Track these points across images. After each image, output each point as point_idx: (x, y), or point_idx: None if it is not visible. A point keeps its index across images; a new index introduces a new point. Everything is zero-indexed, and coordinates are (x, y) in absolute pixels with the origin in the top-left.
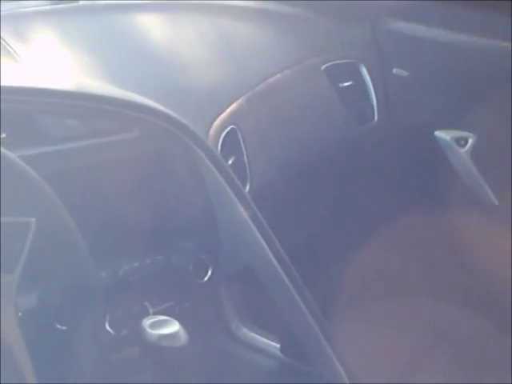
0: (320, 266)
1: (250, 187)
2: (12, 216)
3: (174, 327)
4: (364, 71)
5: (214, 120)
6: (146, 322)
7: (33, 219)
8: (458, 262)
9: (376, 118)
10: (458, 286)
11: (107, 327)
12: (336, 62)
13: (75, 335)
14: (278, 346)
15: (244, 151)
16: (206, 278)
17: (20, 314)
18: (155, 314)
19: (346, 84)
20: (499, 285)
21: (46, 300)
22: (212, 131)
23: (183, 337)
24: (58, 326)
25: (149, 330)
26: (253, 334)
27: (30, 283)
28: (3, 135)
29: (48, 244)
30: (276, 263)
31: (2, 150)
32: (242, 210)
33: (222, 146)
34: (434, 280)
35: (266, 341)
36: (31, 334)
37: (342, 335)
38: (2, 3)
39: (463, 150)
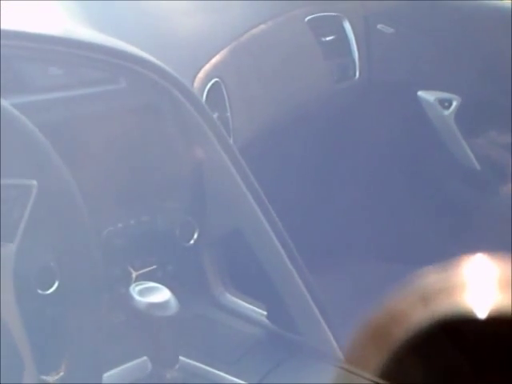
0: (307, 224)
1: (233, 143)
2: (11, 178)
3: (163, 295)
4: (348, 26)
5: (198, 72)
6: (135, 289)
7: (34, 182)
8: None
9: (357, 74)
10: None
11: None
12: (320, 14)
13: (72, 302)
14: (265, 313)
15: (228, 106)
16: (191, 242)
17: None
18: (138, 277)
19: (328, 38)
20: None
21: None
22: (196, 84)
23: (173, 305)
24: (40, 291)
25: (137, 297)
26: (237, 301)
27: (28, 252)
28: None
29: (48, 209)
30: (267, 226)
31: (3, 103)
32: (231, 168)
33: (206, 99)
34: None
35: (252, 307)
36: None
37: (331, 302)
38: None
39: (447, 112)
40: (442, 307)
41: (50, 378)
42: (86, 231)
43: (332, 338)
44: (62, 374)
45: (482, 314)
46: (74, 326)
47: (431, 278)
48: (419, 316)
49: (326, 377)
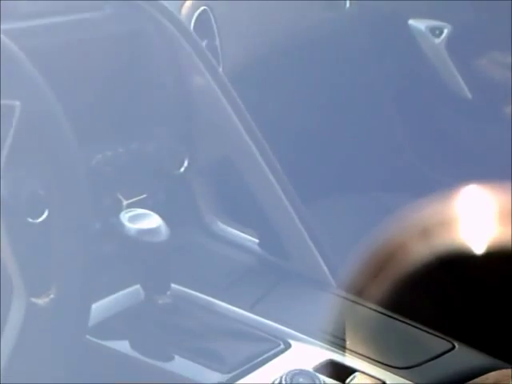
0: (296, 150)
1: (222, 72)
2: None
3: (154, 221)
4: None
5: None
6: (125, 216)
7: (17, 102)
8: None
9: (348, 4)
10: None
11: None
12: None
13: (62, 230)
14: (256, 240)
15: (216, 34)
16: (182, 169)
17: None
18: (129, 206)
19: None
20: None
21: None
22: (183, 11)
23: (164, 232)
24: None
25: (128, 224)
26: (229, 228)
27: (14, 178)
28: None
29: (32, 132)
30: (257, 153)
31: None
32: (221, 96)
33: (193, 27)
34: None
35: (243, 235)
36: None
37: (324, 229)
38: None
39: (438, 41)
40: (441, 241)
41: (39, 301)
42: (74, 157)
43: (323, 264)
44: (52, 296)
45: (480, 248)
46: (63, 253)
47: (429, 210)
48: (418, 249)
49: (317, 301)
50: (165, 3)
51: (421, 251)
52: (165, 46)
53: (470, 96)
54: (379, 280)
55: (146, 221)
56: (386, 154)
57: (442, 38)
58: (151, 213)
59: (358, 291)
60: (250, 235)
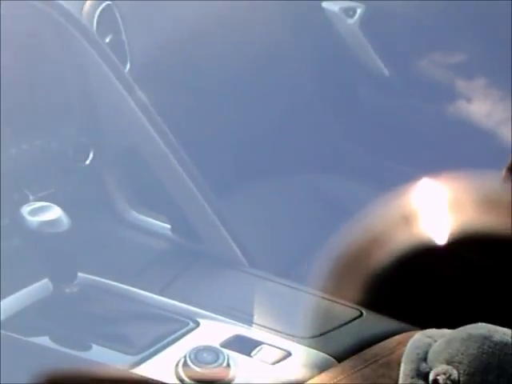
0: (207, 140)
1: (131, 66)
2: None
3: (55, 213)
4: None
5: None
6: (26, 209)
7: None
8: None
9: None
10: (362, 163)
11: None
12: None
13: None
14: (168, 226)
15: (122, 28)
16: (87, 162)
17: None
18: (36, 201)
19: None
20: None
21: None
22: (86, 8)
23: (65, 222)
24: None
25: (28, 218)
26: (142, 217)
27: None
28: None
29: None
30: (162, 144)
31: None
32: (122, 90)
33: (97, 23)
34: (329, 153)
35: (156, 222)
36: None
37: (235, 212)
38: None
39: (352, 21)
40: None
41: None
42: None
43: (234, 245)
44: None
45: (440, 239)
46: None
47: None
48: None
49: (227, 280)
50: (66, 2)
51: (389, 244)
52: (64, 46)
53: (387, 73)
54: (351, 278)
55: (46, 213)
56: (313, 135)
57: (355, 18)
58: (52, 205)
59: (332, 290)
60: (163, 221)
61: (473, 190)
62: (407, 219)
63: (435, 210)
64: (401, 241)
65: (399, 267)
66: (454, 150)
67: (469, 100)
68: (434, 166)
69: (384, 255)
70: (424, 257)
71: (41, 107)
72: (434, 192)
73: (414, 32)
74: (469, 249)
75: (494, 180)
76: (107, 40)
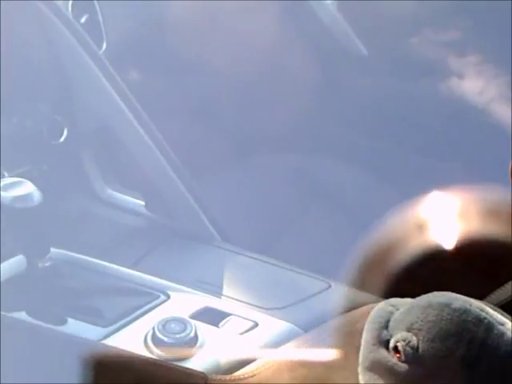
0: (189, 119)
1: (107, 46)
2: None
3: (26, 188)
4: None
5: None
6: None
7: None
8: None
9: None
10: (336, 140)
11: None
12: None
13: None
14: (143, 203)
15: (98, 8)
16: (61, 139)
17: None
18: (11, 177)
19: None
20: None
21: None
22: None
23: (36, 197)
24: None
25: (1, 193)
26: (117, 194)
27: None
28: None
29: None
30: (135, 122)
31: None
32: (96, 69)
33: (72, 4)
34: (310, 134)
35: (131, 199)
36: None
37: (215, 190)
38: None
39: (329, 1)
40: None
41: None
42: None
43: (206, 220)
44: None
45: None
46: None
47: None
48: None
49: (198, 254)
50: None
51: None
52: (38, 27)
53: (365, 52)
54: (372, 278)
55: (18, 188)
56: (297, 116)
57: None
58: (23, 180)
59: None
60: (137, 198)
61: (479, 201)
62: (420, 227)
63: (444, 220)
64: (414, 246)
65: (412, 269)
66: (442, 127)
67: (461, 77)
68: (423, 145)
69: (400, 258)
70: (434, 260)
71: (15, 86)
72: (444, 203)
73: (401, 10)
74: (472, 254)
75: (498, 193)
76: (83, 20)
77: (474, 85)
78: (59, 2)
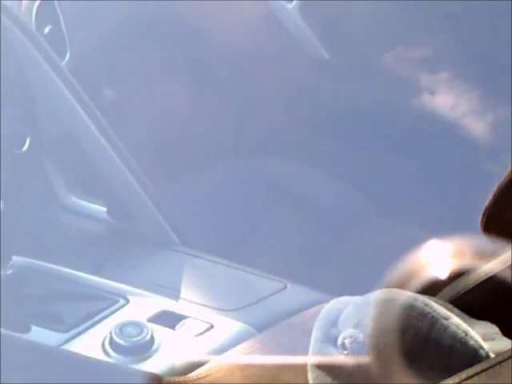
0: (152, 126)
1: (70, 56)
2: None
3: None
4: None
5: None
6: None
7: None
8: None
9: None
10: (301, 144)
11: None
12: None
13: None
14: (105, 209)
15: (61, 19)
16: (24, 148)
17: None
18: None
19: None
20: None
21: None
22: (24, 2)
23: None
24: None
25: None
26: (80, 201)
27: None
28: None
29: None
30: (96, 132)
31: None
32: (57, 80)
33: (36, 15)
34: (280, 139)
35: (93, 206)
36: None
37: (176, 194)
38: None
39: (291, 6)
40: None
41: None
42: None
43: (166, 225)
44: None
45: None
46: None
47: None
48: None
49: (158, 258)
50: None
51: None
52: (2, 40)
53: (327, 56)
54: None
55: None
56: (258, 119)
57: (294, 3)
58: None
59: None
60: (99, 205)
61: (471, 249)
62: (420, 269)
63: (440, 263)
64: (415, 285)
65: None
66: (412, 134)
67: (432, 93)
68: (382, 147)
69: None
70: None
71: None
72: (440, 250)
73: (364, 14)
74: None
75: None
76: (46, 31)
77: (445, 100)
78: (21, 13)
